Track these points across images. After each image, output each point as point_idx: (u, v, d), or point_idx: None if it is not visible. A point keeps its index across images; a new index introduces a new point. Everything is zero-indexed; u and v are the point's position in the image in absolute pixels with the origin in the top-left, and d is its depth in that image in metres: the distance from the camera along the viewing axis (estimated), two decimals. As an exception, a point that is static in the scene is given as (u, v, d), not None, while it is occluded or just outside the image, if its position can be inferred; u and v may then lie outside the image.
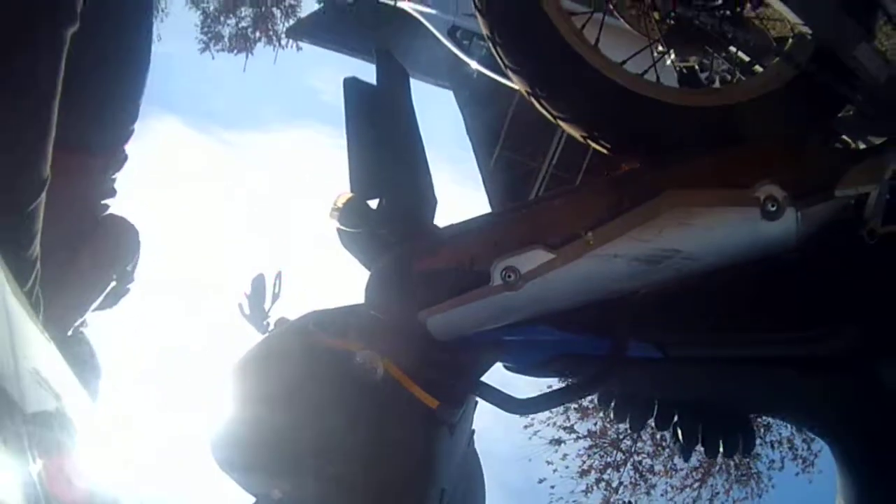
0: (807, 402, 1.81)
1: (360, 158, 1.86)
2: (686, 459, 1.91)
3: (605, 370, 1.67)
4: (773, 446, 13.33)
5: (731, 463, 13.35)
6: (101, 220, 2.38)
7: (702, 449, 1.78)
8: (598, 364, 1.69)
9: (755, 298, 1.71)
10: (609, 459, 13.70)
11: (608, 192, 1.70)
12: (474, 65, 7.78)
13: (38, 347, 1.44)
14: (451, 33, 7.72)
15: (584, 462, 13.60)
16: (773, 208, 1.56)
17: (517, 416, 1.76)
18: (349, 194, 1.83)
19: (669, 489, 13.62)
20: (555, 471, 13.37)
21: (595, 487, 13.63)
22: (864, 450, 1.80)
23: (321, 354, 1.77)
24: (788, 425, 12.22)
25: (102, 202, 2.37)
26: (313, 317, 1.89)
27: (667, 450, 13.57)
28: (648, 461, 13.68)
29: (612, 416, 1.84)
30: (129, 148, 2.34)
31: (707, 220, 1.58)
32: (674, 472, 13.56)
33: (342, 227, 1.84)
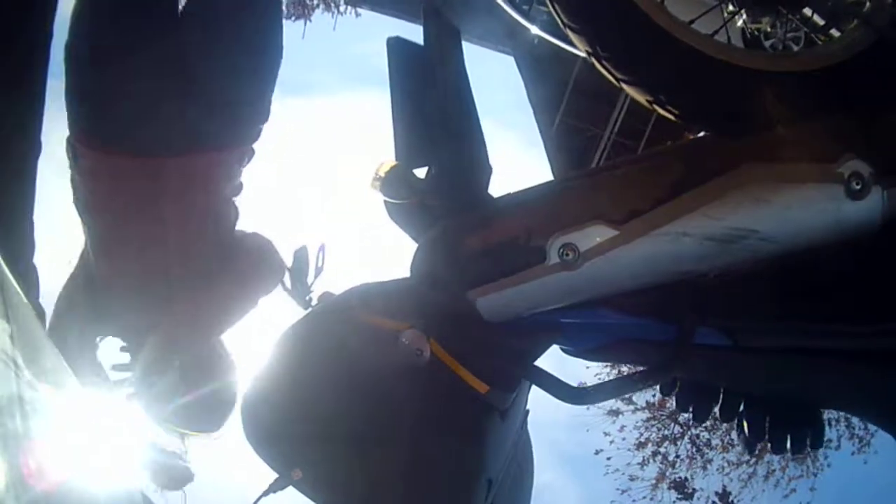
0: (882, 398, 1.69)
1: (406, 124, 1.76)
2: (751, 453, 1.81)
3: (670, 358, 1.56)
4: (829, 424, 13.20)
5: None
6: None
7: (769, 444, 1.67)
8: (663, 351, 1.58)
9: (833, 285, 1.57)
10: (666, 432, 13.70)
11: (677, 163, 1.57)
12: (535, 30, 7.66)
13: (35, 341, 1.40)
14: (512, -2, 7.60)
15: (642, 434, 13.62)
16: (859, 186, 1.43)
17: (574, 405, 1.66)
18: (393, 162, 1.74)
19: (726, 464, 13.58)
20: (611, 442, 13.42)
21: (651, 460, 13.67)
22: None
23: (365, 332, 1.70)
24: None
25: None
26: (358, 292, 1.81)
27: (725, 424, 13.51)
28: (706, 435, 13.64)
29: (675, 404, 1.73)
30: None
31: (787, 198, 1.44)
32: (731, 447, 13.49)
33: (386, 198, 1.74)
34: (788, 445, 1.67)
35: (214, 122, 2.22)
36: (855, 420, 12.82)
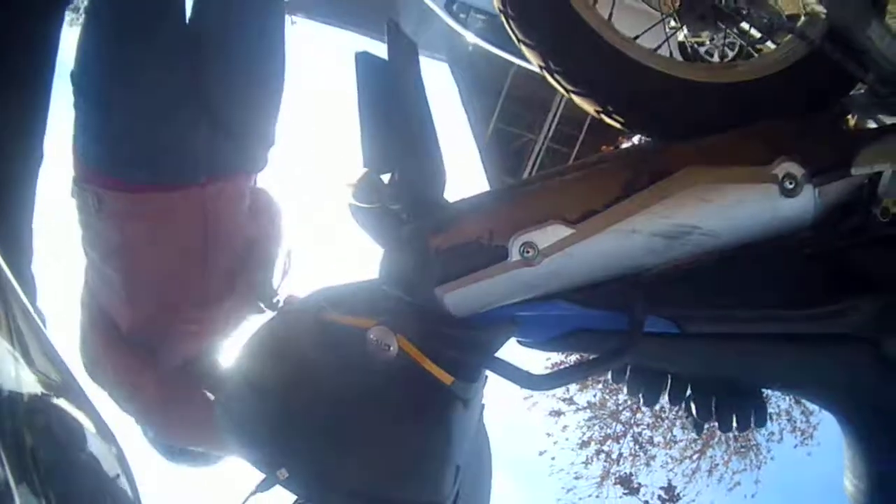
0: (819, 377, 1.82)
1: (373, 133, 1.84)
2: (699, 434, 1.90)
3: (622, 345, 1.66)
4: (772, 418, 13.43)
5: (730, 434, 13.39)
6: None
7: (716, 423, 1.78)
8: (615, 339, 1.68)
9: (772, 275, 1.71)
10: (609, 431, 13.79)
11: (626, 167, 1.69)
12: (471, 38, 7.71)
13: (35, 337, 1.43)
14: (448, 6, 7.64)
15: (584, 433, 13.69)
16: (792, 186, 1.57)
17: (536, 391, 1.76)
18: (364, 170, 1.82)
19: (669, 460, 13.72)
20: (555, 442, 13.47)
21: (595, 459, 13.73)
22: (876, 427, 1.82)
23: (333, 331, 1.77)
24: (787, 397, 12.36)
25: None
26: (324, 293, 1.88)
27: (666, 421, 13.68)
28: (648, 433, 13.78)
29: (625, 390, 1.84)
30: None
31: (727, 197, 1.58)
32: (673, 444, 13.65)
33: (356, 203, 1.82)
34: (734, 424, 1.77)
35: (235, 148, 2.30)
36: (796, 413, 13.09)
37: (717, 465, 13.67)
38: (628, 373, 1.81)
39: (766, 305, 1.70)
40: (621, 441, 13.80)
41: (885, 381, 1.74)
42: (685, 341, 1.72)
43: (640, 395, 1.82)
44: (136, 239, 2.22)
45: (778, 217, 1.60)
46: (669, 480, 13.15)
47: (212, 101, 2.23)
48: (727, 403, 1.77)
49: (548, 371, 1.74)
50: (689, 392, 1.80)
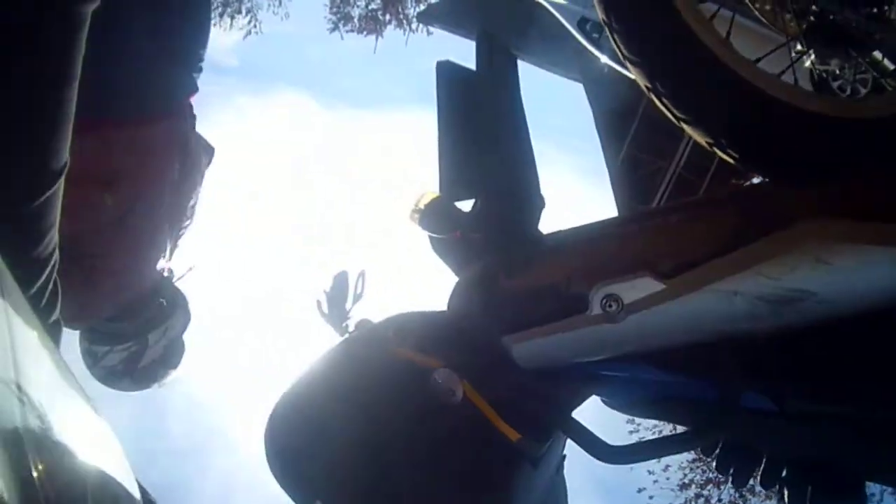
0: None
1: (453, 153, 1.71)
2: None
3: (712, 421, 1.48)
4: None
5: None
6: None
7: None
8: (706, 412, 1.49)
9: (888, 350, 1.46)
10: (711, 475, 13.56)
11: (732, 213, 1.48)
12: (604, 59, 7.57)
13: (39, 352, 1.35)
14: (581, 25, 7.51)
15: (686, 475, 13.49)
16: None
17: (609, 464, 1.58)
18: (434, 194, 1.68)
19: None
20: (655, 481, 13.32)
21: (694, 502, 13.55)
22: None
23: (399, 366, 1.65)
24: None
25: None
26: (395, 323, 1.78)
27: (776, 497, 13.32)
28: (750, 481, 13.44)
29: (715, 465, 1.64)
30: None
31: (852, 260, 1.32)
32: (774, 495, 13.24)
33: (426, 231, 1.69)
34: None
35: (185, 73, 2.53)
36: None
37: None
38: (719, 448, 1.61)
39: (882, 387, 1.47)
40: (722, 487, 13.54)
41: None
42: (784, 421, 1.51)
43: (730, 474, 1.62)
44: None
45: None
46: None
47: (168, 32, 2.40)
48: (824, 493, 1.56)
49: (627, 443, 1.57)
50: (783, 475, 1.60)
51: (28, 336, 1.23)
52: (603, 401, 1.69)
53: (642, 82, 1.68)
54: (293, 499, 1.59)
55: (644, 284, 1.40)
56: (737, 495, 13.45)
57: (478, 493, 1.57)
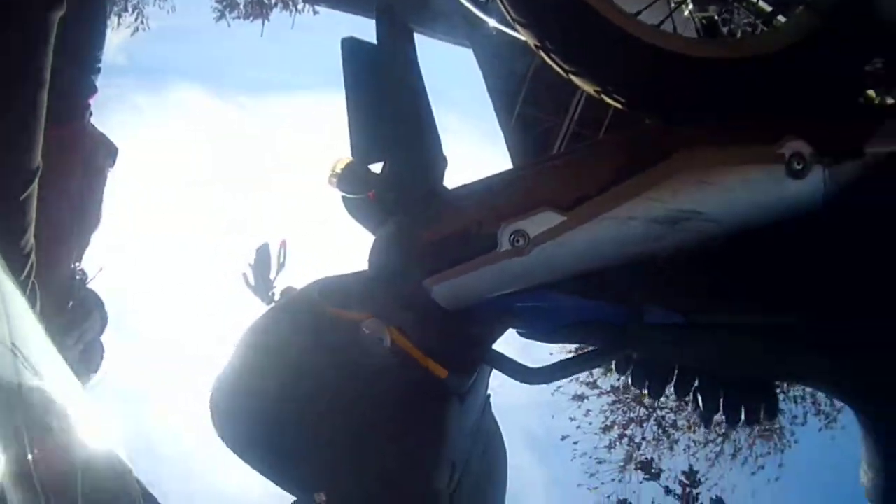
0: (834, 371, 1.72)
1: (361, 121, 1.79)
2: (707, 426, 1.84)
3: (623, 337, 1.61)
4: (795, 401, 13.43)
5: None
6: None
7: (722, 416, 1.72)
8: (615, 331, 1.62)
9: (781, 262, 1.62)
10: (632, 415, 13.83)
11: (621, 151, 1.62)
12: (492, 22, 7.66)
13: (34, 339, 1.40)
14: (469, -8, 7.58)
15: (607, 418, 13.74)
16: (800, 166, 1.47)
17: (533, 385, 1.70)
18: (348, 159, 1.77)
19: (692, 444, 13.74)
20: (578, 427, 13.53)
21: (618, 443, 13.78)
22: (892, 421, 1.74)
23: (328, 324, 1.73)
24: None
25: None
26: (319, 285, 1.84)
27: (690, 405, 13.64)
28: (672, 416, 13.79)
29: (630, 381, 1.77)
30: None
31: (727, 179, 1.49)
32: (697, 428, 13.65)
33: (343, 194, 1.78)
34: (742, 417, 1.71)
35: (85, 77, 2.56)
36: (821, 396, 13.06)
37: (741, 448, 13.71)
38: (633, 364, 1.74)
39: (776, 295, 1.62)
40: (644, 425, 13.85)
41: None
42: (691, 332, 1.64)
43: (646, 387, 1.75)
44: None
45: (784, 200, 1.50)
46: (691, 465, 13.18)
47: (74, 39, 2.38)
48: (736, 396, 1.70)
49: (546, 364, 1.69)
50: (696, 384, 1.73)
51: (21, 310, 1.29)
52: (520, 333, 1.79)
53: (531, 41, 1.80)
54: (244, 460, 1.67)
55: (546, 218, 1.52)
56: (660, 431, 13.80)
57: (412, 431, 1.66)
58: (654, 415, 13.80)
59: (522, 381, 1.64)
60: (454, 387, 1.69)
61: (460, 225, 1.63)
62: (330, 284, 1.83)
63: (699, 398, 1.72)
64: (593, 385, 13.75)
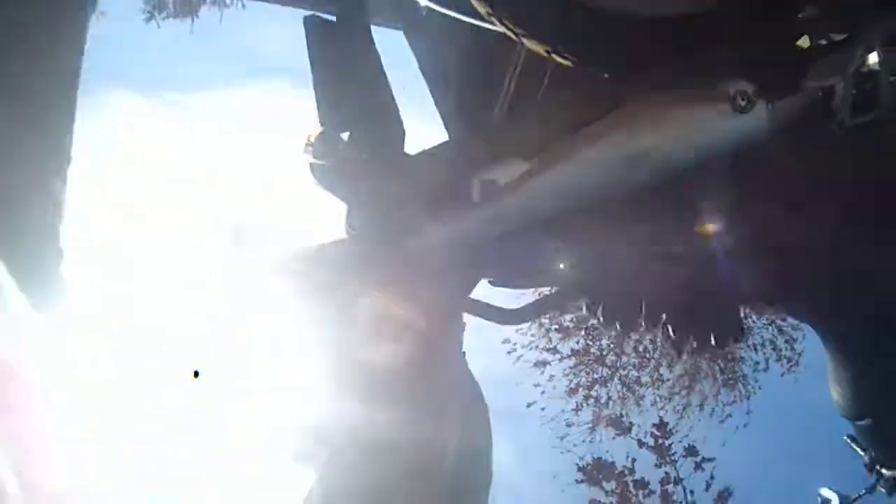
0: (795, 290, 1.90)
1: (326, 93, 1.86)
2: (679, 355, 1.98)
3: (593, 272, 1.74)
4: (756, 349, 13.65)
5: (717, 368, 13.68)
6: None
7: (694, 343, 1.84)
8: (585, 269, 1.73)
9: (735, 191, 1.75)
10: (596, 376, 13.90)
11: (576, 103, 1.75)
12: (423, 2, 7.68)
13: None
14: (401, -29, 7.60)
15: (571, 381, 13.81)
16: (744, 102, 1.60)
17: (512, 325, 1.81)
18: (320, 129, 1.84)
19: (658, 399, 13.90)
20: (543, 392, 13.57)
21: (584, 404, 13.85)
22: (854, 333, 1.92)
23: (308, 293, 1.81)
24: (770, 327, 12.62)
25: None
26: (291, 255, 1.91)
27: (652, 361, 13.83)
28: (635, 373, 13.93)
29: (602, 320, 1.88)
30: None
31: (678, 119, 1.62)
32: (661, 383, 13.81)
33: (316, 161, 1.84)
34: (713, 340, 1.84)
35: None
36: (780, 342, 13.32)
37: (707, 398, 13.90)
38: (602, 302, 1.85)
39: (732, 220, 1.75)
40: (609, 384, 13.95)
41: (859, 288, 1.84)
42: (654, 265, 1.77)
43: (618, 322, 1.86)
44: None
45: (732, 134, 1.63)
46: (661, 417, 13.32)
47: None
48: (703, 322, 1.83)
49: (520, 306, 1.80)
50: (664, 316, 1.84)
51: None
52: (490, 282, 1.91)
53: (483, 9, 1.89)
54: None
55: (516, 167, 1.63)
56: (624, 389, 13.95)
57: (405, 385, 1.78)
58: (618, 374, 13.95)
59: (502, 322, 1.74)
60: (441, 341, 1.81)
61: (434, 180, 1.73)
62: (303, 254, 1.90)
63: (669, 329, 1.84)
64: (554, 350, 13.83)
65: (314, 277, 1.82)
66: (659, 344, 14.13)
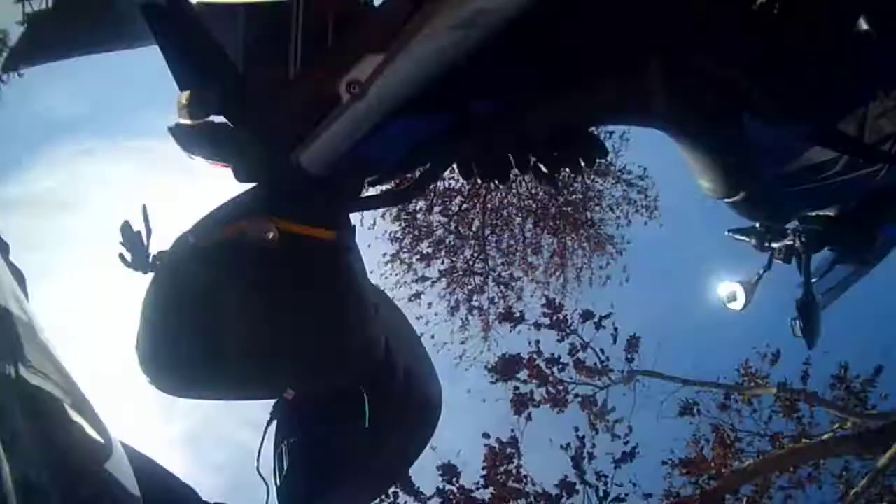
0: (641, 104, 2.09)
1: (176, 60, 1.92)
2: (555, 188, 2.13)
3: (455, 135, 1.91)
4: (612, 209, 14.31)
5: (582, 238, 14.27)
6: None
7: (567, 170, 2.02)
8: (450, 135, 1.90)
9: (570, 31, 1.94)
10: (470, 287, 14.22)
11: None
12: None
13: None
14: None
15: (449, 301, 14.08)
16: None
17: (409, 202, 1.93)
18: (186, 92, 1.88)
19: (536, 286, 14.37)
20: (426, 322, 13.78)
21: (470, 316, 14.13)
22: (696, 125, 2.17)
23: (215, 254, 1.86)
24: (619, 185, 13.65)
25: None
26: (188, 232, 1.94)
27: (518, 253, 14.27)
28: (507, 271, 14.33)
29: (479, 180, 2.02)
30: None
31: None
32: (533, 270, 14.28)
33: (188, 122, 1.89)
34: (582, 164, 2.03)
35: None
36: (633, 194, 14.07)
37: (582, 268, 14.48)
38: (475, 165, 2.01)
39: (582, 56, 1.95)
40: (486, 290, 14.31)
41: (694, 91, 2.09)
42: (513, 114, 1.94)
43: (495, 180, 2.04)
44: None
45: None
46: (546, 297, 13.76)
47: None
48: (567, 151, 2.02)
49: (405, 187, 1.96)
50: (533, 159, 2.01)
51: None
52: (372, 181, 2.07)
53: None
54: (195, 396, 1.91)
55: (371, 61, 1.75)
56: (502, 288, 14.30)
57: (333, 295, 1.90)
58: (490, 277, 14.31)
59: (396, 203, 1.88)
60: (345, 242, 1.93)
61: (305, 96, 1.83)
62: (199, 225, 1.95)
63: (540, 168, 2.02)
64: (422, 279, 14.06)
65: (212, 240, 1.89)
66: (519, 235, 14.66)
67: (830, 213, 3.02)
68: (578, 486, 12.70)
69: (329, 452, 2.01)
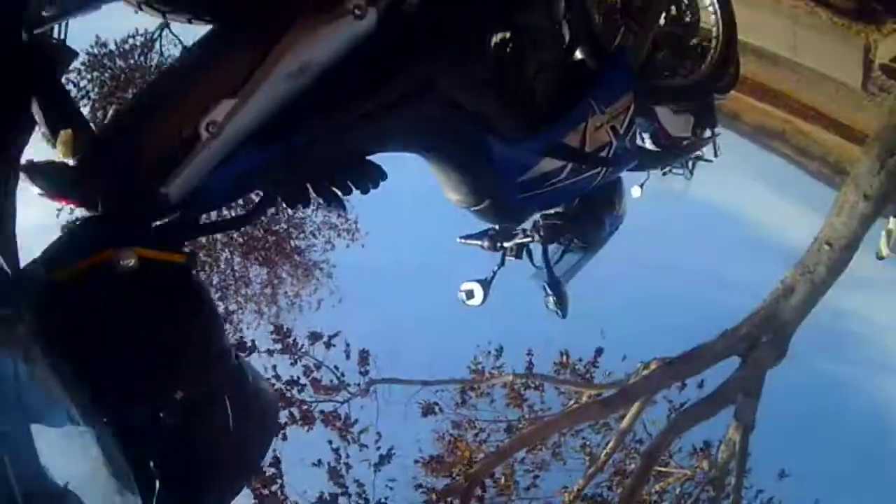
0: (404, 135, 2.53)
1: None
2: (343, 209, 2.43)
3: (270, 171, 2.22)
4: (315, 235, 14.71)
5: (290, 269, 14.51)
6: None
7: (341, 193, 2.39)
8: (276, 167, 2.21)
9: (359, 75, 2.32)
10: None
11: (250, 46, 2.17)
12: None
13: None
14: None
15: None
16: (360, 12, 2.21)
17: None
18: (68, 131, 2.02)
19: (254, 316, 14.52)
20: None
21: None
22: (449, 148, 2.65)
23: (75, 286, 1.89)
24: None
25: None
26: (39, 262, 1.96)
27: (232, 285, 14.27)
28: (222, 306, 14.25)
29: (285, 206, 2.37)
30: None
31: (325, 35, 2.18)
32: (246, 301, 14.37)
33: (83, 160, 2.02)
34: (356, 188, 2.39)
35: None
36: (335, 219, 15.03)
37: (293, 298, 14.75)
38: (284, 190, 2.33)
39: (361, 97, 2.34)
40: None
41: (444, 119, 2.53)
42: (312, 147, 2.28)
43: (299, 205, 2.36)
44: None
45: (356, 36, 2.23)
46: (273, 324, 13.84)
47: None
48: (343, 178, 2.38)
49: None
50: (324, 182, 2.35)
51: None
52: (213, 205, 2.36)
53: None
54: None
55: (226, 105, 2.07)
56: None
57: (196, 317, 2.11)
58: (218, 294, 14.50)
59: (230, 228, 2.12)
60: (194, 263, 2.16)
61: (168, 135, 2.07)
62: (50, 254, 1.98)
63: (321, 191, 2.36)
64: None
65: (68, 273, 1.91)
66: (228, 270, 14.62)
67: (561, 210, 3.65)
68: (341, 499, 13.02)
69: (198, 459, 1.99)
